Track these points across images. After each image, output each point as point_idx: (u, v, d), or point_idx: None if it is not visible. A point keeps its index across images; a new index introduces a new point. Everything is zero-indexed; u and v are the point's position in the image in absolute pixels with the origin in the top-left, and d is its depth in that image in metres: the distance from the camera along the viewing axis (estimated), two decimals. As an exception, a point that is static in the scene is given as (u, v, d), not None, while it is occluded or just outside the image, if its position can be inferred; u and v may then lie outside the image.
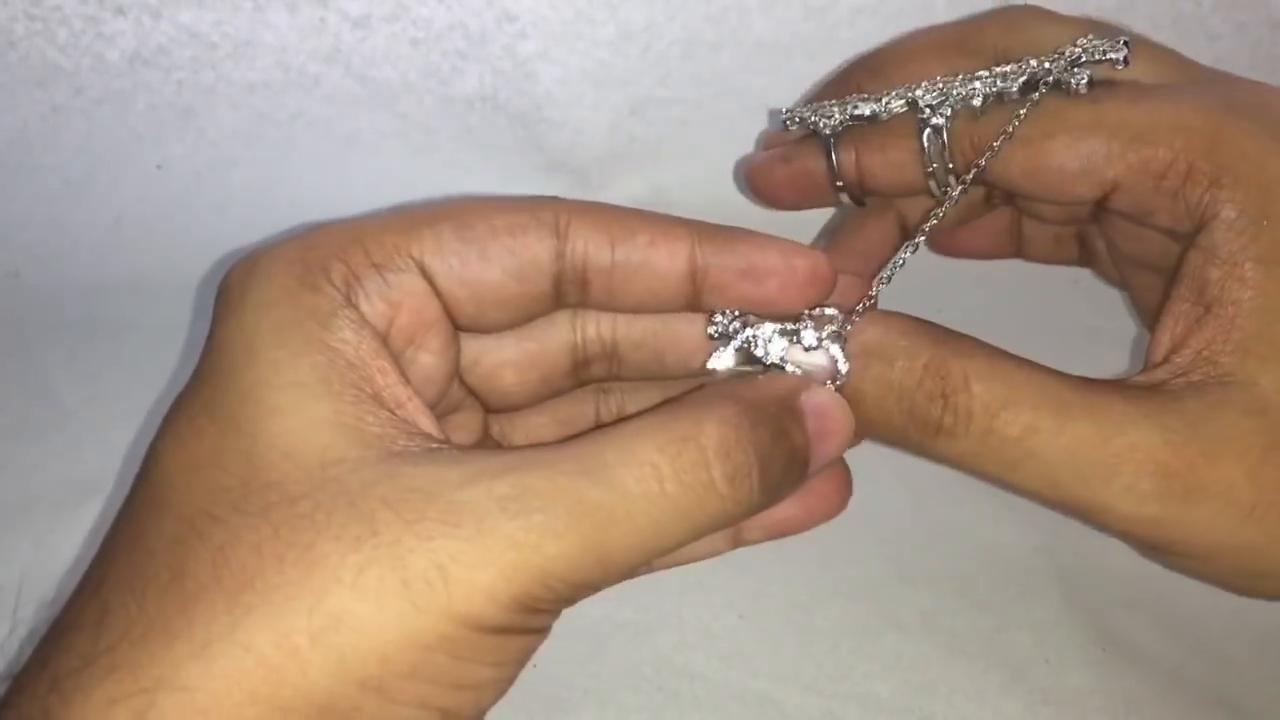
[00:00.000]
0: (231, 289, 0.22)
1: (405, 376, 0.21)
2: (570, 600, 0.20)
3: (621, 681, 0.30)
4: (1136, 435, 0.23)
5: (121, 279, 0.42)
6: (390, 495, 0.19)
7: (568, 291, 0.24)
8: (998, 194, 0.32)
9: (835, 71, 0.33)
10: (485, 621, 0.18)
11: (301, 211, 0.43)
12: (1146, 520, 0.23)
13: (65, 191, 0.41)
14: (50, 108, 0.40)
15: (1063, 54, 0.25)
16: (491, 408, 0.26)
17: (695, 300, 0.24)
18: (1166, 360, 0.24)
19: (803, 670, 0.31)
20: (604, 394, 0.28)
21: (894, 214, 0.33)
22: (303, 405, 0.20)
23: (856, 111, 0.28)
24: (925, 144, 0.27)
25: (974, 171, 0.26)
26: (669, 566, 0.28)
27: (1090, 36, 0.26)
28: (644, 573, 0.29)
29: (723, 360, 0.24)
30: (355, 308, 0.21)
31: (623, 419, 0.27)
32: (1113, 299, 0.36)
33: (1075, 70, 0.25)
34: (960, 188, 0.26)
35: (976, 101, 0.26)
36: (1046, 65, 0.25)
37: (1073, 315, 0.40)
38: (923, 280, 0.36)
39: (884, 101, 0.27)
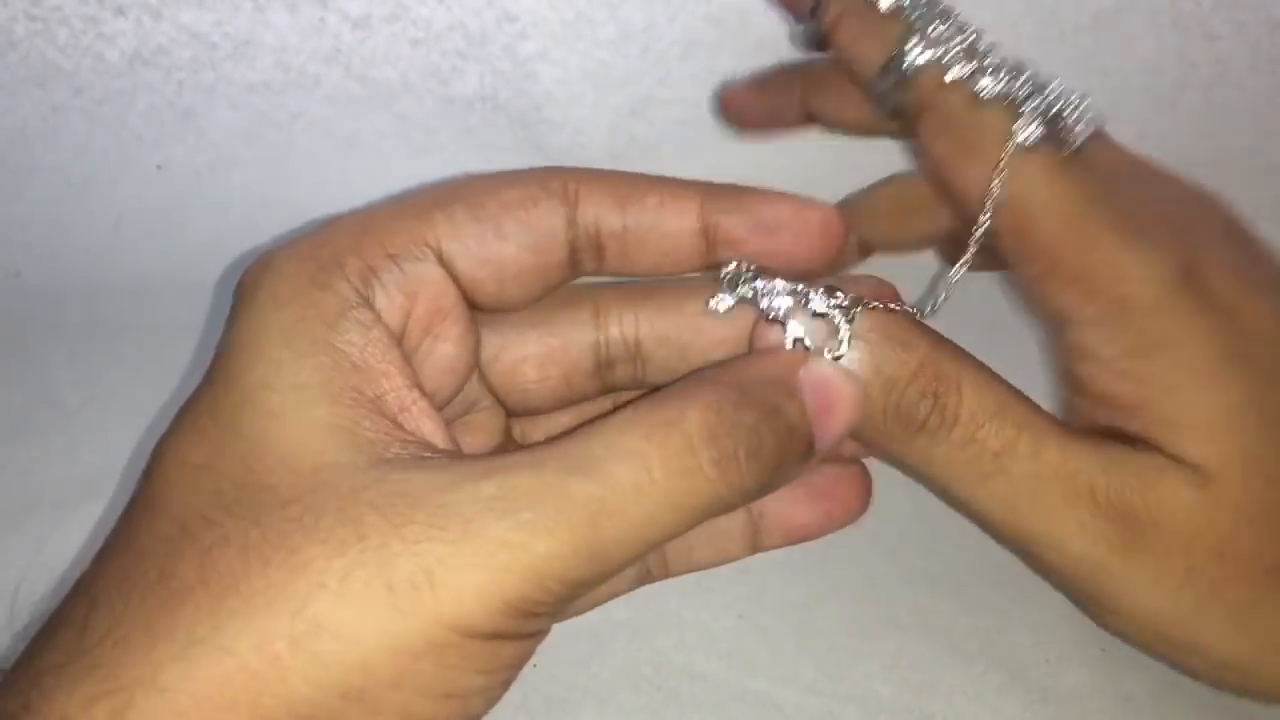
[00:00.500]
0: (246, 287, 0.22)
1: (415, 379, 0.21)
2: (566, 600, 0.19)
3: (621, 681, 0.30)
4: (1099, 478, 0.23)
5: (121, 279, 0.42)
6: (378, 500, 0.18)
7: (583, 259, 0.24)
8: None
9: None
10: (476, 627, 0.18)
11: (301, 211, 0.43)
12: (1090, 562, 0.24)
13: (65, 191, 0.41)
14: (50, 108, 0.40)
15: (1044, 93, 0.25)
16: (512, 409, 0.26)
17: (710, 259, 0.24)
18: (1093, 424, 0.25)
19: (803, 670, 0.31)
20: (625, 397, 0.28)
21: (856, 237, 0.34)
22: (301, 408, 0.20)
23: None
24: (889, 62, 0.27)
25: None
26: (687, 572, 0.27)
27: (1076, 95, 0.26)
28: (658, 577, 0.29)
29: (722, 303, 0.24)
30: (368, 305, 0.21)
31: None
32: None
33: (1042, 115, 0.25)
34: (980, 231, 0.26)
35: (949, 75, 0.26)
36: (1022, 95, 0.25)
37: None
38: (923, 280, 0.36)
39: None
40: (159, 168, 0.41)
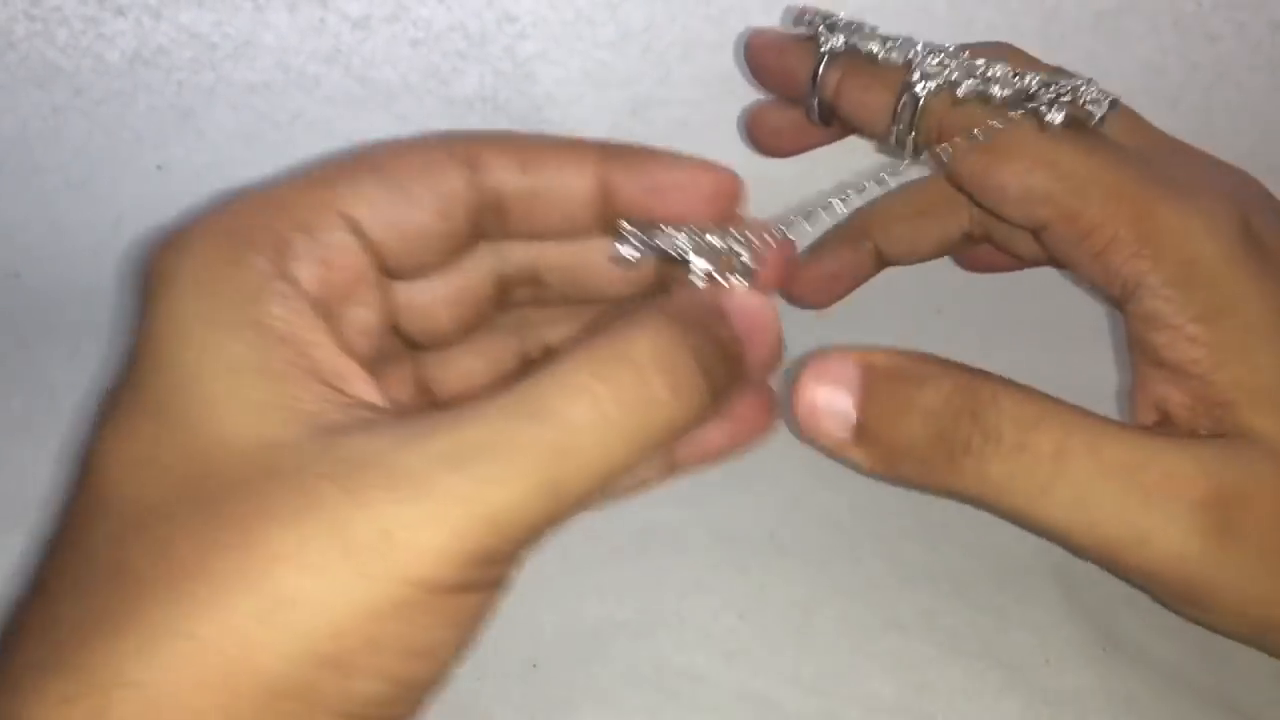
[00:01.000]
0: (157, 270, 0.21)
1: (342, 343, 0.21)
2: (527, 543, 0.19)
3: (621, 681, 0.30)
4: (1173, 464, 0.22)
5: (121, 279, 0.42)
6: (328, 469, 0.18)
7: (487, 222, 0.24)
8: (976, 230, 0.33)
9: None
10: (440, 581, 0.18)
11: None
12: (1186, 559, 0.22)
13: (65, 191, 0.41)
14: (50, 108, 0.40)
15: (1056, 82, 0.26)
16: (421, 345, 0.26)
17: (608, 221, 0.24)
18: (1161, 421, 0.25)
19: (803, 670, 0.31)
20: (527, 329, 0.28)
21: (871, 245, 0.34)
22: (236, 390, 0.19)
23: (859, 44, 0.29)
24: (899, 105, 0.27)
25: (926, 152, 0.27)
26: (618, 499, 0.27)
27: (1087, 80, 0.26)
28: (597, 505, 0.29)
29: (630, 252, 0.24)
30: (286, 277, 0.21)
31: (548, 352, 0.27)
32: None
33: (1058, 103, 0.25)
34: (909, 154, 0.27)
35: (960, 91, 0.26)
36: (1035, 88, 0.26)
37: (1081, 314, 0.40)
38: (924, 281, 0.36)
39: (886, 46, 0.28)
40: (159, 168, 0.41)
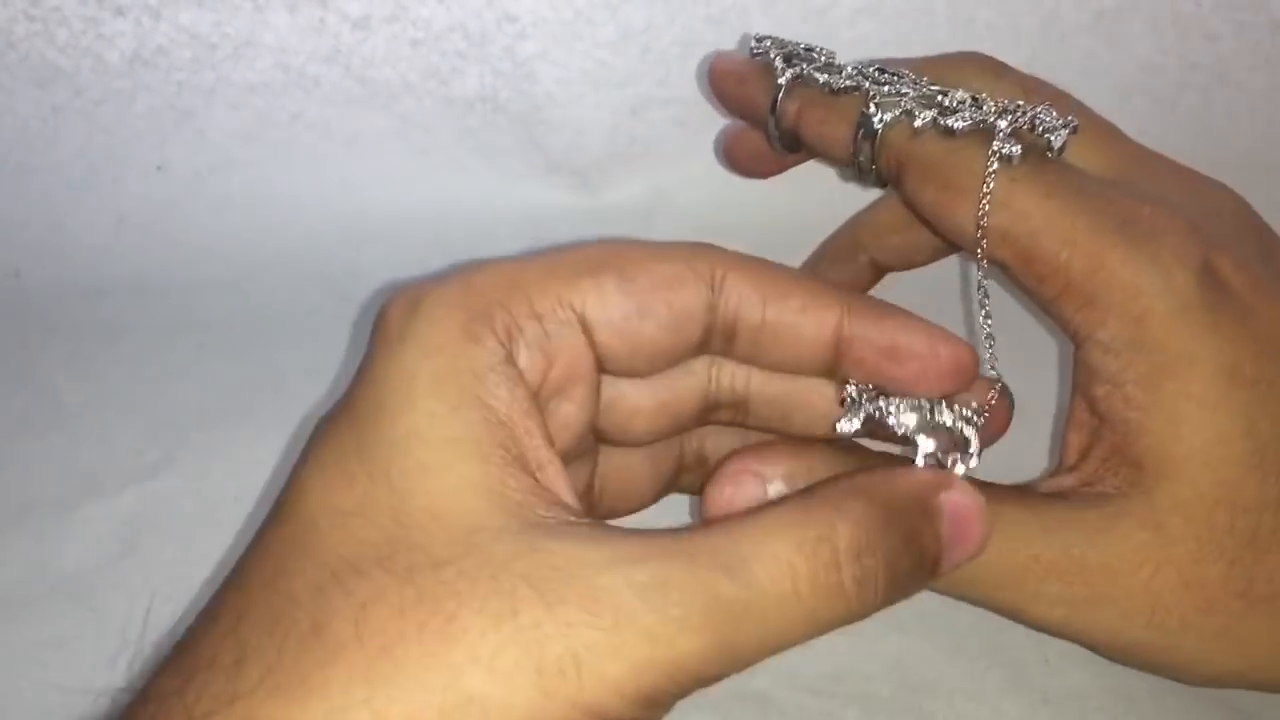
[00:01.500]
0: (391, 325, 0.22)
1: (549, 437, 0.21)
2: (688, 692, 0.19)
3: (621, 681, 0.30)
4: (1040, 548, 0.24)
5: (121, 279, 0.42)
6: (530, 571, 0.18)
7: (714, 342, 0.24)
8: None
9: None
10: (609, 714, 0.18)
11: (301, 212, 0.43)
12: (1057, 622, 0.24)
13: (65, 191, 0.41)
14: (50, 108, 0.40)
15: (1013, 111, 0.25)
16: (610, 443, 0.26)
17: (834, 368, 0.24)
18: (1076, 467, 0.25)
19: (803, 670, 0.31)
20: (690, 434, 0.28)
21: (867, 258, 0.34)
22: (452, 465, 0.20)
23: (811, 75, 0.28)
24: (857, 134, 0.27)
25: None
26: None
27: (1044, 106, 0.26)
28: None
29: (851, 425, 0.24)
30: (513, 361, 0.21)
31: (701, 460, 0.27)
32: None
33: (1016, 134, 0.25)
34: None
35: (918, 123, 0.26)
36: (991, 119, 0.25)
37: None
38: (924, 280, 0.36)
39: (842, 76, 0.28)
40: (159, 168, 0.41)
